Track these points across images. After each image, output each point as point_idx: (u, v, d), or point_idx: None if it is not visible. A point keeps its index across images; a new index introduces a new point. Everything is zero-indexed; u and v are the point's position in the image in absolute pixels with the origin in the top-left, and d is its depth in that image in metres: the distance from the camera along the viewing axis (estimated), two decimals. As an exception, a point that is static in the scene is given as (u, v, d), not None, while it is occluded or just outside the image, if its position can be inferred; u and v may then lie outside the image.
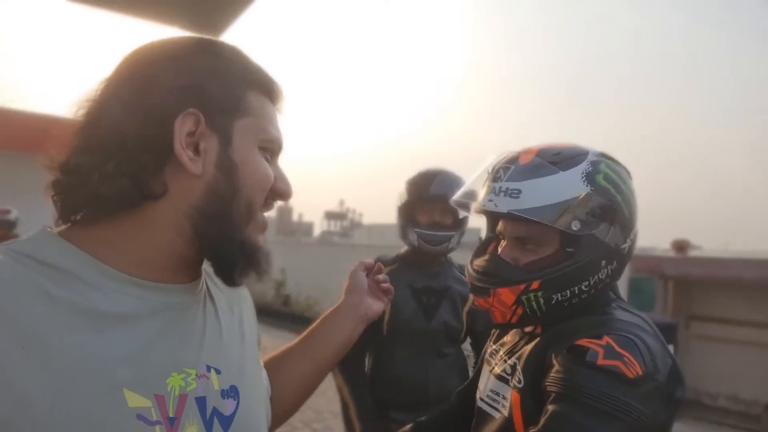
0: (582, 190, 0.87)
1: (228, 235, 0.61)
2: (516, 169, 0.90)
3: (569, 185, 0.87)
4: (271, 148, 0.66)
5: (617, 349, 0.77)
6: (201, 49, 0.62)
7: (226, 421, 0.62)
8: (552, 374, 0.80)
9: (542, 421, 0.77)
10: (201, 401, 0.60)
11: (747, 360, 7.78)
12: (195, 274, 0.66)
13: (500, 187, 0.89)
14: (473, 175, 1.00)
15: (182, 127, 0.58)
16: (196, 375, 0.61)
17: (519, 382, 0.90)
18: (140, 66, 0.60)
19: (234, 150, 0.61)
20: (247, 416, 0.66)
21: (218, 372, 0.64)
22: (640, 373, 0.75)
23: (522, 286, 0.89)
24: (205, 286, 0.69)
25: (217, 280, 0.69)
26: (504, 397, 0.93)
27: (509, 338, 1.04)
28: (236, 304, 0.75)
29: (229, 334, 0.69)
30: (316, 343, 0.91)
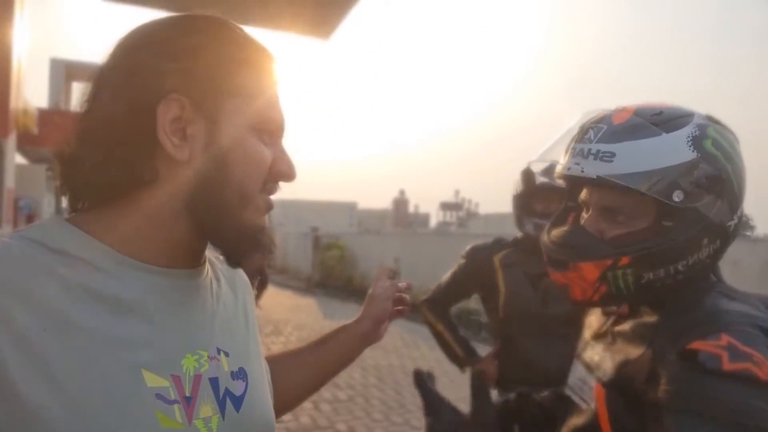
0: (687, 155, 0.77)
1: (223, 220, 0.60)
2: (609, 130, 0.80)
3: (672, 149, 0.77)
4: (267, 128, 0.62)
5: (742, 348, 0.67)
6: (187, 29, 0.60)
7: (238, 401, 0.64)
8: (665, 386, 0.71)
9: None
10: (214, 382, 0.61)
11: None
12: (200, 259, 0.66)
13: (589, 149, 0.79)
14: (556, 136, 0.89)
15: (165, 113, 0.57)
16: (208, 357, 0.62)
17: (604, 374, 0.82)
18: (126, 52, 0.60)
19: (222, 134, 0.59)
20: (256, 397, 0.67)
21: (227, 354, 0.65)
22: None
23: (608, 262, 0.79)
24: (209, 271, 0.69)
25: (219, 267, 0.73)
26: (591, 388, 0.86)
27: (595, 320, 0.98)
28: (239, 289, 0.76)
29: (234, 318, 0.71)
30: (325, 355, 0.92)
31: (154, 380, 0.55)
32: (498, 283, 1.89)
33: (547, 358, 1.73)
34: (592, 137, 0.80)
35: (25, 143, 12.59)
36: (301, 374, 0.90)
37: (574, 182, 0.89)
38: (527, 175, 1.82)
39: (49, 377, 0.49)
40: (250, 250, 0.63)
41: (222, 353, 0.65)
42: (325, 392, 5.49)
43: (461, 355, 1.96)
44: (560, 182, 0.91)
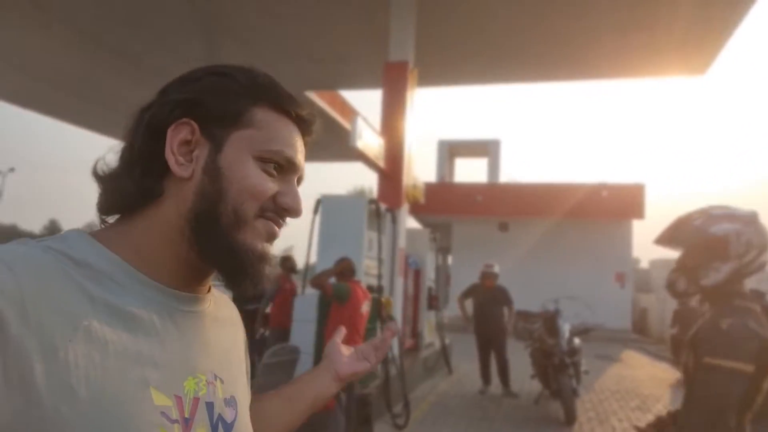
0: None
1: (218, 237, 0.63)
2: None
3: None
4: (272, 159, 0.66)
5: None
6: (211, 72, 0.67)
7: (228, 427, 0.66)
8: None
9: None
10: (210, 406, 0.64)
11: None
12: (205, 285, 0.70)
13: None
14: None
15: (175, 135, 0.63)
16: (206, 381, 0.65)
17: None
18: (162, 92, 0.67)
19: (223, 157, 0.64)
20: (242, 426, 0.70)
21: (222, 381, 0.68)
22: None
23: None
24: (212, 300, 0.72)
25: (219, 299, 0.75)
26: None
27: None
28: (235, 322, 0.80)
29: (228, 348, 0.74)
30: (294, 396, 0.94)
31: (160, 399, 0.58)
32: None
33: None
34: None
35: (416, 211, 15.48)
36: (277, 414, 0.92)
37: None
38: None
39: (69, 387, 0.51)
40: (244, 272, 0.64)
41: (218, 379, 0.67)
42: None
43: None
44: None
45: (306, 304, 5.57)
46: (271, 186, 0.66)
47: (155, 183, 0.64)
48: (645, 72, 11.39)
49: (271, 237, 0.67)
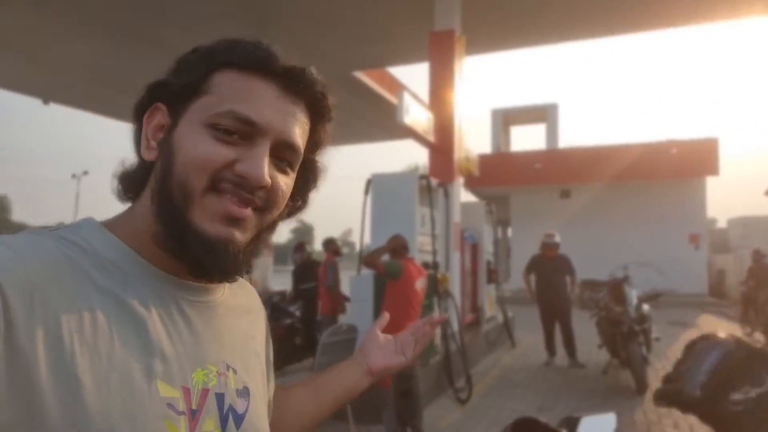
0: None
1: (171, 218, 0.59)
2: None
3: None
4: (220, 123, 0.59)
5: None
6: (193, 50, 0.65)
7: (239, 418, 0.65)
8: None
9: None
10: (220, 397, 0.63)
11: None
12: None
13: None
14: None
15: (149, 121, 0.63)
16: (217, 372, 0.63)
17: None
18: None
19: (177, 131, 0.61)
20: (255, 416, 0.68)
21: (234, 372, 0.66)
22: None
23: None
24: (226, 288, 0.70)
25: (236, 287, 0.74)
26: None
27: None
28: (252, 309, 0.77)
29: (243, 337, 0.72)
30: (322, 386, 0.92)
31: (166, 390, 0.57)
32: None
33: None
34: None
35: (472, 184, 15.19)
36: (302, 405, 0.89)
37: None
38: None
39: (73, 378, 0.50)
40: (198, 261, 0.59)
41: (231, 370, 0.66)
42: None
43: None
44: None
45: (362, 283, 5.63)
46: (222, 153, 0.59)
47: (143, 169, 0.65)
48: (721, 14, 10.37)
49: (228, 216, 0.59)
